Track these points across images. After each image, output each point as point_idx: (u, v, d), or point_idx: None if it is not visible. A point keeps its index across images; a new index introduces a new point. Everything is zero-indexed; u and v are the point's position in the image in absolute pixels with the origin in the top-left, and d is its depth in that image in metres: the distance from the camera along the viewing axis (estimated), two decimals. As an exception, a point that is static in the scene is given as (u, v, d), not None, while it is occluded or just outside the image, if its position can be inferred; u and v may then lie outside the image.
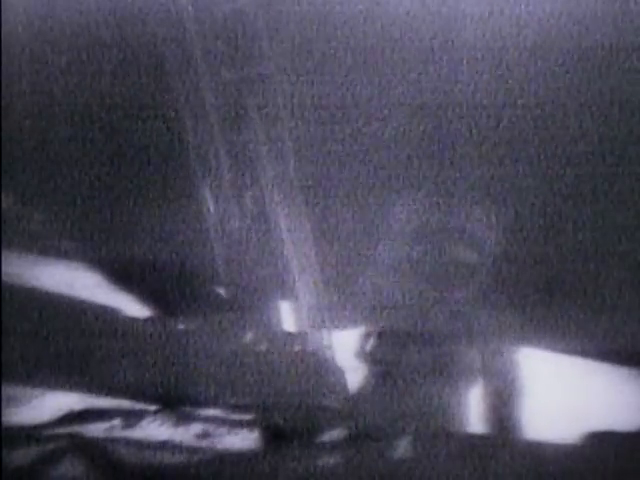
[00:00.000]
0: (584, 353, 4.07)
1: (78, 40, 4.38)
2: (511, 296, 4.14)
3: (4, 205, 4.46)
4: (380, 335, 4.20)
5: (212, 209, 4.49)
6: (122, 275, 4.38)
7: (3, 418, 3.21)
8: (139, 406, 3.44)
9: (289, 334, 4.31)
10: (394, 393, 3.92)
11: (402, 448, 3.15)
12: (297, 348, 4.09)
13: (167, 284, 4.37)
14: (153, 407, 3.46)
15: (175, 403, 3.47)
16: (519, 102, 4.02)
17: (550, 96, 3.99)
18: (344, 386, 3.95)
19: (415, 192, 4.21)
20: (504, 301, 4.14)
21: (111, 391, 3.44)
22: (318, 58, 4.20)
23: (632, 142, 3.95)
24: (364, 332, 4.24)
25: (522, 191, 4.10)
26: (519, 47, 3.96)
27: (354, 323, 4.28)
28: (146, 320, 4.13)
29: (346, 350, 4.20)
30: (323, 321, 4.33)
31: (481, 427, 3.97)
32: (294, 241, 4.39)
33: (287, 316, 4.45)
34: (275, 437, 3.35)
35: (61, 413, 3.37)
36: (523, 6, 3.92)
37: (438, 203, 4.19)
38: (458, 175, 4.15)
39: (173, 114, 4.38)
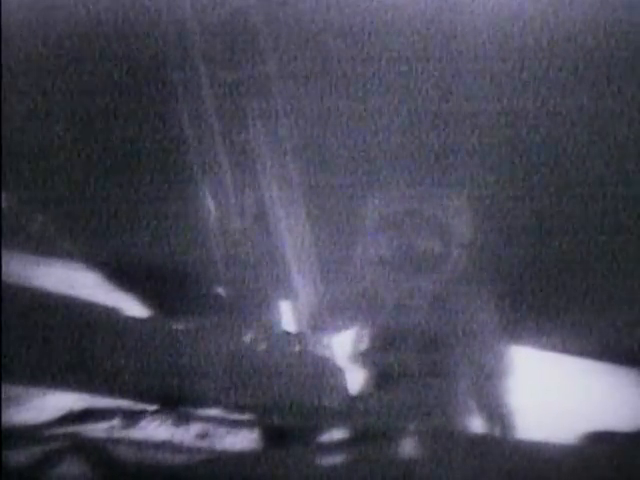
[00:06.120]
0: (582, 352, 4.07)
1: (78, 40, 4.38)
2: (490, 290, 4.10)
3: (4, 205, 4.46)
4: (372, 334, 4.19)
5: (212, 209, 4.49)
6: (122, 275, 4.38)
7: (3, 418, 3.20)
8: (139, 406, 3.44)
9: (289, 334, 4.30)
10: (394, 393, 3.91)
11: (403, 448, 3.15)
12: (297, 348, 4.09)
13: (167, 284, 4.37)
14: (153, 407, 3.46)
15: (175, 403, 3.46)
16: (500, 94, 4.02)
17: (533, 92, 4.00)
18: (344, 386, 3.95)
19: (391, 181, 4.19)
20: (481, 295, 4.09)
21: (111, 391, 3.43)
22: (318, 58, 4.21)
23: (624, 141, 3.96)
24: (358, 331, 4.24)
25: (499, 179, 4.09)
26: (504, 47, 3.97)
27: (352, 323, 4.28)
28: (146, 320, 4.13)
29: (345, 350, 4.20)
30: (323, 321, 4.33)
31: (481, 427, 3.98)
32: (294, 241, 4.39)
33: (287, 316, 4.45)
34: (275, 437, 3.34)
35: (61, 413, 3.36)
36: (526, 6, 3.93)
37: (407, 191, 4.15)
38: (432, 162, 4.14)
39: (173, 114, 4.38)
